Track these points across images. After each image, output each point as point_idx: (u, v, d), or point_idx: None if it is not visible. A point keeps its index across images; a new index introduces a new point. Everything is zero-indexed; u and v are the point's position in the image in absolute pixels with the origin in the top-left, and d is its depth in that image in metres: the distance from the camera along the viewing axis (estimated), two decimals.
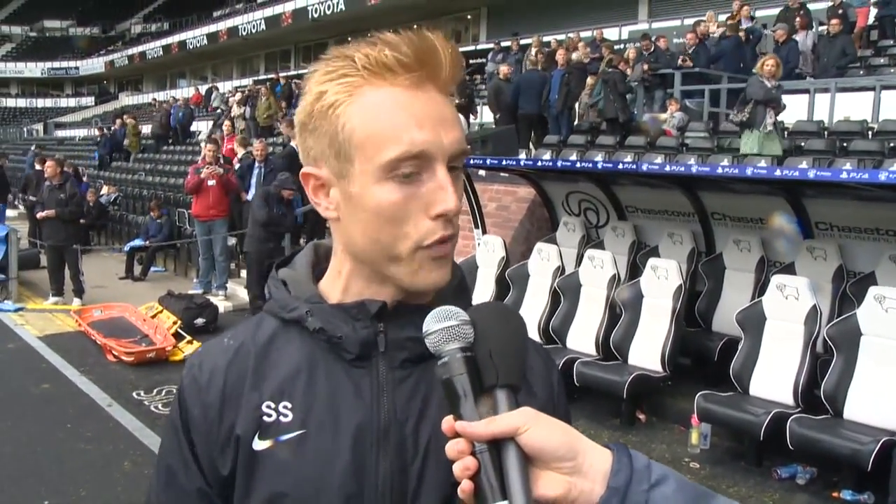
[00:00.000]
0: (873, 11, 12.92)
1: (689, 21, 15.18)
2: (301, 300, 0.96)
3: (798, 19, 11.77)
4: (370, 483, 0.90)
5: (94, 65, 50.20)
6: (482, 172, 8.84)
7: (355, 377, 0.93)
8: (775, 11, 13.85)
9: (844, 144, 8.80)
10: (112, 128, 23.49)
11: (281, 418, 0.92)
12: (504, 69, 12.95)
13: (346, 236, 0.93)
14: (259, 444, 0.92)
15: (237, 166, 10.62)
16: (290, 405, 0.93)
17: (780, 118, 8.77)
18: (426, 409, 0.92)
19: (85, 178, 17.08)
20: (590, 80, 11.74)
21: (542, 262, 7.05)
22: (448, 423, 0.78)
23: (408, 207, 0.87)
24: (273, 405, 0.93)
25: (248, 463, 0.92)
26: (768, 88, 8.40)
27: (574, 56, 12.77)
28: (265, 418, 0.92)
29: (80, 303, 9.74)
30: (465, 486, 0.76)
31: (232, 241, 10.76)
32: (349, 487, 0.90)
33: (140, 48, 44.92)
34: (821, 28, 12.07)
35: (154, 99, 35.96)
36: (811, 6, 12.70)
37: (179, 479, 0.97)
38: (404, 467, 0.91)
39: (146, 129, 23.85)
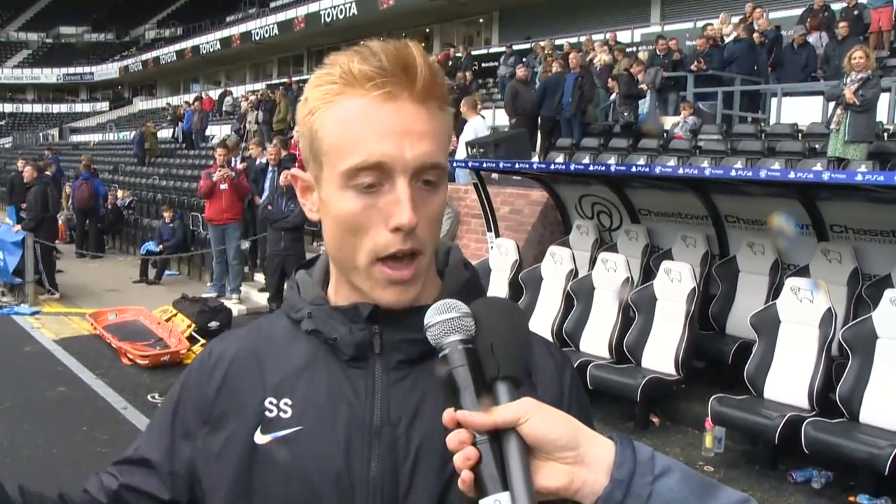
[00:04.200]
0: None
1: (702, 23, 15.13)
2: (306, 302, 1.00)
3: (809, 20, 11.69)
4: (362, 481, 0.92)
5: (108, 70, 50.63)
6: (495, 176, 8.85)
7: (353, 377, 0.95)
8: (791, 13, 13.79)
9: None
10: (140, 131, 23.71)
11: (281, 414, 0.95)
12: (521, 72, 12.94)
13: (326, 238, 0.96)
14: (260, 439, 0.95)
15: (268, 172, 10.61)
16: (290, 402, 0.96)
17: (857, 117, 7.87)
18: (420, 410, 0.93)
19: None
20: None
21: (556, 266, 7.04)
22: (449, 413, 0.79)
23: (367, 218, 0.88)
24: (275, 401, 0.96)
25: (248, 456, 0.95)
26: (834, 85, 8.10)
27: (602, 59, 12.82)
28: (267, 413, 0.96)
29: (47, 297, 10.53)
30: (465, 477, 0.76)
31: (245, 244, 10.81)
32: (342, 484, 0.91)
33: (154, 53, 45.23)
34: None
35: (168, 103, 36.22)
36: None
37: (150, 441, 1.05)
38: (395, 467, 0.92)
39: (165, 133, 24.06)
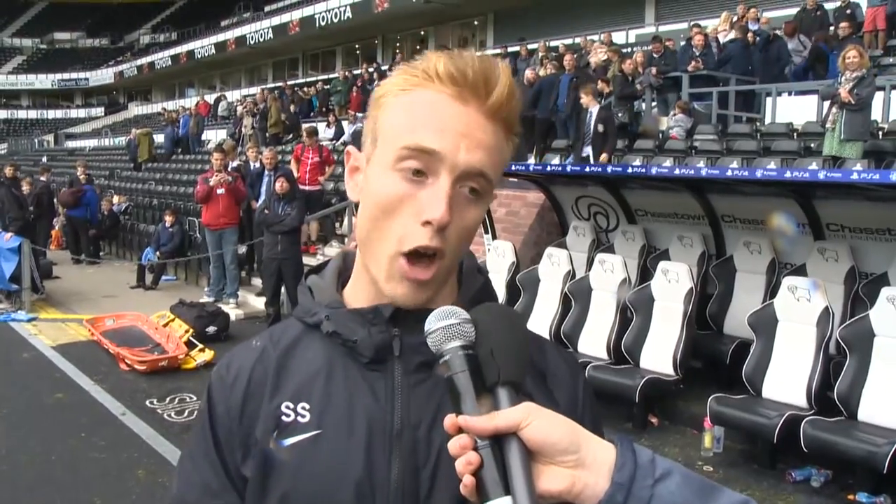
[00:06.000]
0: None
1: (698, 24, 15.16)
2: (322, 305, 0.99)
3: (783, 25, 11.82)
4: (382, 484, 0.91)
5: (103, 75, 50.53)
6: None
7: (371, 380, 0.95)
8: (785, 12, 13.83)
9: None
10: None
11: (299, 418, 0.94)
12: (530, 74, 12.93)
13: (358, 220, 0.96)
14: (276, 444, 0.94)
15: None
16: (307, 406, 0.95)
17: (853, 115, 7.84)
18: (440, 414, 0.92)
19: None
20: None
21: (553, 267, 7.05)
22: (451, 419, 0.79)
23: (402, 204, 0.88)
24: (292, 406, 0.95)
25: (265, 461, 0.94)
26: (829, 84, 8.17)
27: (594, 60, 12.84)
28: (284, 418, 0.95)
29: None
30: (467, 482, 0.76)
31: (242, 249, 10.79)
32: (362, 488, 0.91)
33: (149, 58, 45.16)
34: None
35: (164, 108, 36.20)
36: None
37: (202, 473, 0.99)
38: (416, 470, 0.91)
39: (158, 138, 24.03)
